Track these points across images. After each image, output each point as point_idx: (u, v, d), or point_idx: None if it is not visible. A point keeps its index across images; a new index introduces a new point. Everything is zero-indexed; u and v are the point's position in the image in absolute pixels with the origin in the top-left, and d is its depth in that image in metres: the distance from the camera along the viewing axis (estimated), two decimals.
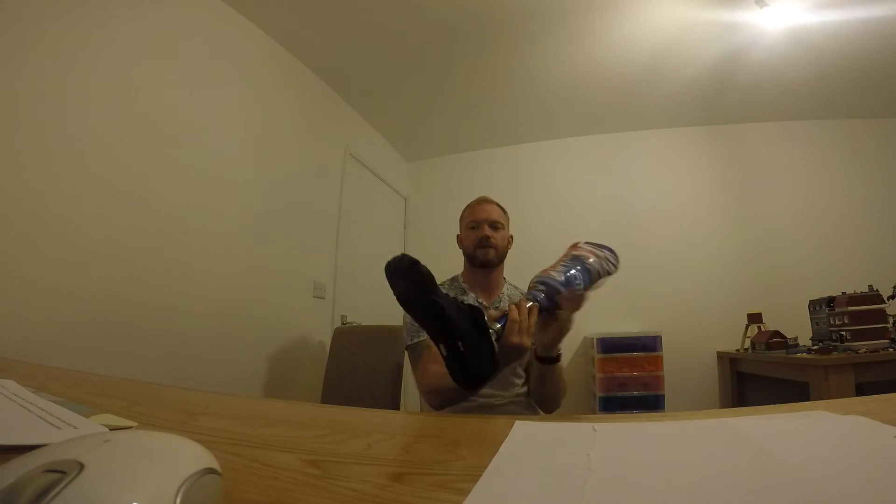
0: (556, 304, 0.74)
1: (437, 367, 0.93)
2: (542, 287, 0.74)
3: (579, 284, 0.75)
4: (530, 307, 0.71)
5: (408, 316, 1.12)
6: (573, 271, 0.75)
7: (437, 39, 2.24)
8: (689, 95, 2.76)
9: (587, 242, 0.82)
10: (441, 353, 0.62)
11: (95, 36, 1.37)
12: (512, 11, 2.04)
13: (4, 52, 1.14)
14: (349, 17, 2.05)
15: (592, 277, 0.77)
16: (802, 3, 1.97)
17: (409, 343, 1.07)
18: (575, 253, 0.80)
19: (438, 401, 0.94)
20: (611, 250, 0.82)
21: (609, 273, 0.79)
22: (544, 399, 1.04)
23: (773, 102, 2.82)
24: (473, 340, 0.60)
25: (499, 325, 0.68)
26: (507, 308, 0.70)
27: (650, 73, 2.53)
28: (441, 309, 0.60)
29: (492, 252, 1.16)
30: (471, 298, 1.17)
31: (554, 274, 0.75)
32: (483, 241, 1.15)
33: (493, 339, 0.63)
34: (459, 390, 0.83)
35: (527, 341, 0.68)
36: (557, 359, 0.92)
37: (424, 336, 1.02)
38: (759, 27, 2.12)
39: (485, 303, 1.17)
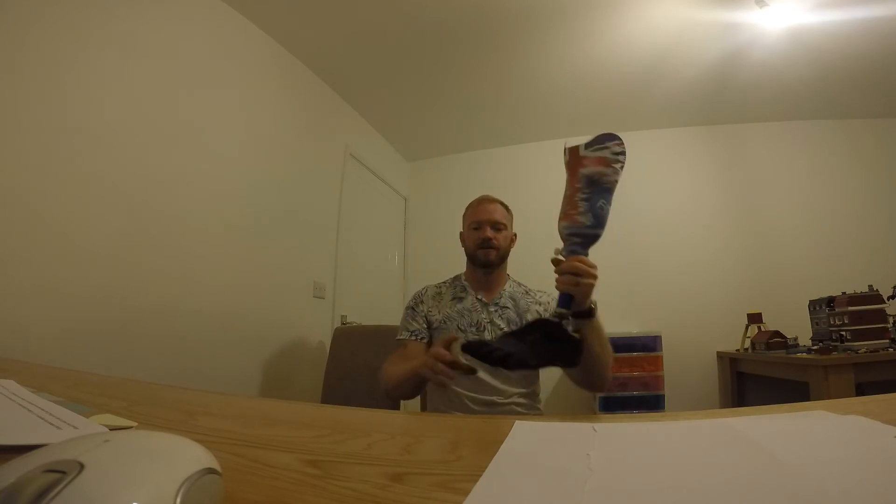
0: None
1: (398, 367, 1.01)
2: (577, 239, 0.72)
3: (607, 211, 0.71)
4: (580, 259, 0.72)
5: (406, 311, 1.19)
6: (599, 202, 0.70)
7: (438, 39, 2.24)
8: (689, 95, 2.76)
9: (587, 146, 0.72)
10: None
11: (95, 36, 1.36)
12: (512, 11, 2.04)
13: (4, 52, 1.14)
14: (349, 17, 2.04)
15: (611, 194, 0.71)
16: (802, 3, 1.97)
17: (397, 337, 1.19)
18: (585, 172, 0.71)
19: (387, 386, 1.04)
20: (611, 138, 0.72)
21: (622, 168, 0.71)
22: (592, 370, 0.92)
23: (773, 102, 2.81)
24: (568, 356, 0.69)
25: (563, 310, 0.72)
26: (566, 269, 0.72)
27: (650, 73, 2.52)
28: (535, 366, 0.72)
29: (493, 253, 1.16)
30: (471, 297, 1.18)
31: (581, 218, 0.70)
32: (484, 242, 1.15)
33: (568, 324, 0.71)
34: (402, 388, 0.99)
35: (591, 280, 0.74)
36: (592, 312, 0.84)
37: (406, 336, 1.15)
38: (759, 27, 2.12)
39: (485, 300, 1.17)
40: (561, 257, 0.74)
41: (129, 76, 1.45)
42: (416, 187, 3.62)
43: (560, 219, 0.73)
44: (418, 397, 1.22)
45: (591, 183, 0.71)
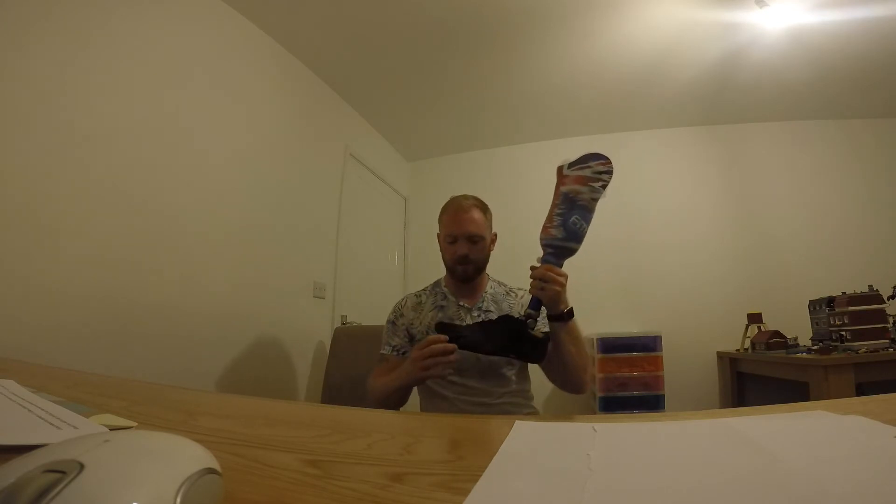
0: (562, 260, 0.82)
1: (382, 379, 1.03)
2: (550, 250, 0.80)
3: (582, 226, 0.77)
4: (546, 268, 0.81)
5: (387, 325, 1.22)
6: (572, 218, 0.77)
7: (438, 39, 2.24)
8: (689, 95, 2.76)
9: (570, 166, 0.79)
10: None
11: (95, 36, 1.36)
12: (512, 11, 2.04)
13: (3, 52, 1.14)
14: (349, 17, 2.04)
15: (590, 209, 0.78)
16: (802, 3, 1.97)
17: (381, 351, 1.19)
18: (564, 190, 0.78)
19: (373, 400, 1.04)
20: (596, 157, 0.78)
21: (605, 187, 0.78)
22: (566, 373, 0.96)
23: (773, 102, 2.81)
24: (525, 351, 0.80)
25: (532, 311, 0.80)
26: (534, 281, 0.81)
27: (650, 73, 2.52)
28: (488, 352, 0.82)
29: (470, 269, 1.13)
30: (453, 305, 1.17)
31: (554, 232, 0.78)
32: (461, 259, 1.12)
33: (532, 326, 0.79)
34: (387, 401, 0.99)
35: (554, 287, 0.80)
36: (567, 315, 0.88)
37: (388, 351, 1.16)
38: (759, 27, 2.12)
39: (467, 305, 1.16)
40: (537, 264, 0.82)
41: (128, 76, 1.45)
42: (416, 187, 3.62)
43: (541, 231, 0.81)
44: (417, 400, 1.22)
45: (568, 200, 0.78)
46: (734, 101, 2.81)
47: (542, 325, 0.93)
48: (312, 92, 2.46)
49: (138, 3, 1.51)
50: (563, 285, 0.82)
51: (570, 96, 2.79)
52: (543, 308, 0.84)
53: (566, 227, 0.77)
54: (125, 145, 1.43)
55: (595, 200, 0.78)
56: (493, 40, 2.25)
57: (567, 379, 0.98)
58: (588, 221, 0.78)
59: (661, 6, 2.01)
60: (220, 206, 1.79)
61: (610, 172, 0.77)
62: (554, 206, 0.79)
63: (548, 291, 0.80)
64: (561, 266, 0.81)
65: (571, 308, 0.90)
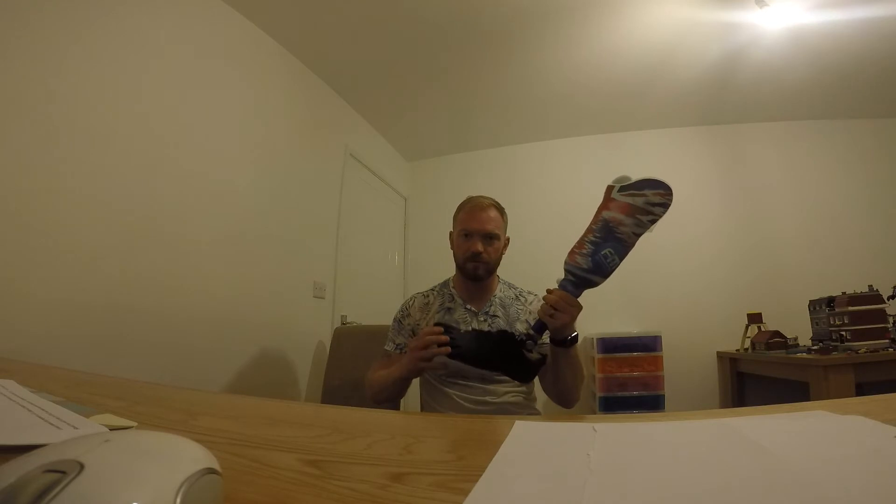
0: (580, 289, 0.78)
1: (381, 372, 1.06)
2: (571, 278, 0.75)
3: (613, 261, 0.69)
4: (556, 291, 0.78)
5: (394, 323, 1.22)
6: (604, 250, 0.69)
7: (438, 39, 2.23)
8: (689, 95, 2.76)
9: (622, 189, 0.68)
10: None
11: (93, 36, 1.36)
12: (512, 12, 2.04)
13: (0, 50, 1.14)
14: (349, 17, 2.04)
15: (628, 244, 0.69)
16: (802, 3, 1.97)
17: (385, 347, 1.20)
18: (605, 216, 0.69)
19: (370, 391, 1.07)
20: (654, 185, 0.67)
21: (654, 222, 0.68)
22: (559, 389, 1.00)
23: (773, 102, 2.82)
24: (515, 371, 0.86)
25: (534, 332, 0.80)
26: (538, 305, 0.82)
27: (650, 73, 2.52)
28: (473, 364, 0.89)
29: (482, 268, 1.12)
30: (459, 307, 1.16)
31: (580, 260, 0.71)
32: (474, 256, 1.11)
33: (530, 348, 0.82)
34: (384, 393, 1.03)
35: (564, 318, 0.78)
36: (571, 341, 0.89)
37: (391, 348, 1.17)
38: (759, 27, 2.12)
39: (474, 309, 1.15)
40: (555, 286, 0.79)
41: (126, 76, 1.45)
42: (416, 187, 3.62)
43: (568, 252, 0.75)
44: (417, 399, 1.22)
45: (606, 228, 0.69)
46: (734, 101, 2.81)
47: (545, 336, 0.93)
48: (313, 92, 2.46)
49: (138, 3, 1.51)
50: (574, 317, 0.80)
51: (570, 96, 2.79)
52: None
53: (594, 259, 0.70)
54: (124, 147, 1.43)
55: (637, 235, 0.69)
56: (493, 41, 2.25)
57: (558, 393, 1.01)
58: (622, 256, 0.70)
59: (661, 6, 2.01)
60: (220, 206, 1.78)
61: (665, 206, 0.68)
62: (589, 230, 0.71)
63: (556, 320, 0.78)
64: (578, 296, 0.77)
65: (576, 335, 0.88)
